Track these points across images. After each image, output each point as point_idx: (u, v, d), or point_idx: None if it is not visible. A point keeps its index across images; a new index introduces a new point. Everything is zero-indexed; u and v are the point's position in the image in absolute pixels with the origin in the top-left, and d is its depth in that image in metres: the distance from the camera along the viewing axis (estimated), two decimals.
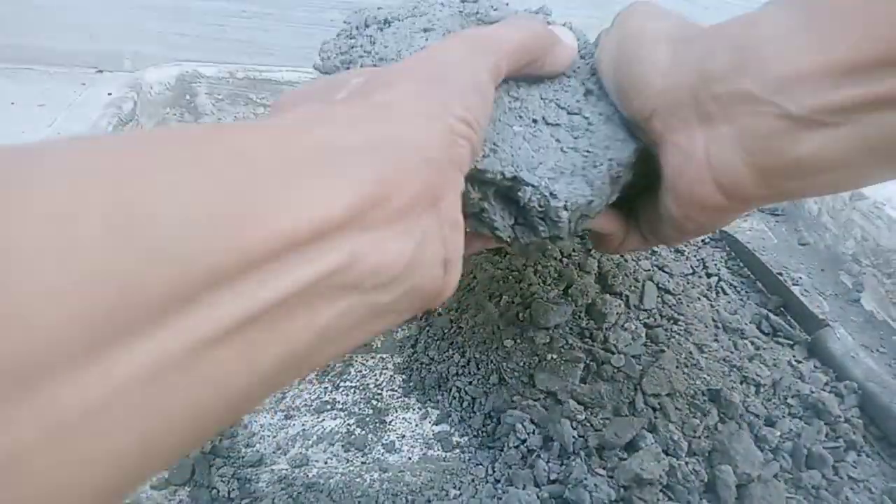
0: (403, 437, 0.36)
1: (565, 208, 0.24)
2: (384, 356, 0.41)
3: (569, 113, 0.27)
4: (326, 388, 0.38)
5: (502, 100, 0.27)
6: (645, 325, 0.41)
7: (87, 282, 0.10)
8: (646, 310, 0.42)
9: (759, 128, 0.20)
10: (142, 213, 0.11)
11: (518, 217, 0.26)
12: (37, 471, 0.10)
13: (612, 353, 0.38)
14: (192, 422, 0.13)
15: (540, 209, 0.25)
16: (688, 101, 0.22)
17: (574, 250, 0.44)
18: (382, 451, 0.35)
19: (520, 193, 0.25)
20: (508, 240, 0.26)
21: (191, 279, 0.12)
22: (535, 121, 0.27)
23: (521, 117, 0.26)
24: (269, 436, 0.35)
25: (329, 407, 0.37)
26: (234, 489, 0.32)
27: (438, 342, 0.40)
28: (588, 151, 0.26)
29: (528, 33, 0.24)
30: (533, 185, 0.24)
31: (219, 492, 0.32)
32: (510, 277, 0.42)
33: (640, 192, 0.29)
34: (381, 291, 0.16)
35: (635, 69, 0.24)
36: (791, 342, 0.43)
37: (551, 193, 0.24)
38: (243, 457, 0.34)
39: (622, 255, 0.45)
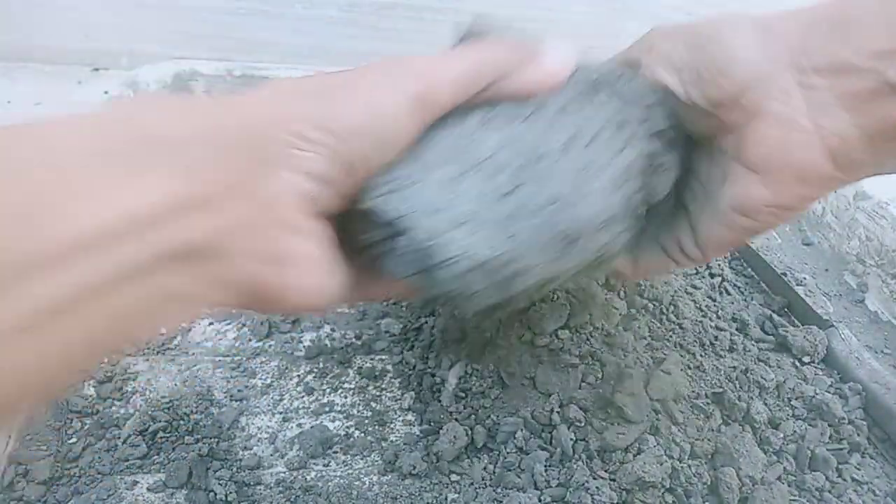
0: (402, 439, 0.35)
1: (448, 262, 0.21)
2: (383, 357, 0.40)
3: (525, 154, 0.23)
4: (325, 389, 0.38)
5: (442, 136, 0.23)
6: (648, 326, 0.41)
7: None
8: (649, 312, 0.42)
9: (865, 94, 0.22)
10: None
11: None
12: None
13: (615, 356, 0.38)
14: (19, 388, 0.14)
15: (415, 260, 0.22)
16: (788, 73, 0.23)
17: None
18: (381, 453, 0.34)
19: (400, 239, 0.22)
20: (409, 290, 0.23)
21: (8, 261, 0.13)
22: (477, 162, 0.23)
23: (459, 157, 0.23)
24: (266, 438, 0.35)
25: (328, 409, 0.37)
26: (231, 492, 0.31)
27: (438, 344, 0.39)
28: (528, 201, 0.22)
29: (477, 58, 0.23)
30: (411, 231, 0.21)
31: (216, 495, 0.31)
32: None
33: (659, 212, 0.27)
34: (184, 276, 0.17)
35: (721, 50, 0.24)
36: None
37: (437, 244, 0.21)
38: (241, 460, 0.33)
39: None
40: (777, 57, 0.23)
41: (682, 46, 0.25)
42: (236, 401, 0.37)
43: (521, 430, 0.35)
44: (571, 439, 0.34)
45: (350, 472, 0.33)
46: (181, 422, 0.35)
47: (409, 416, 0.37)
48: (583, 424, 0.35)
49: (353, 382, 0.39)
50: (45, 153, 0.15)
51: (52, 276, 0.14)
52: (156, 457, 0.33)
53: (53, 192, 0.14)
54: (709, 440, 0.34)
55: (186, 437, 0.34)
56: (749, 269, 0.51)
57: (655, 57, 0.26)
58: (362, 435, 0.35)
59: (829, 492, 0.34)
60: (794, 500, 0.33)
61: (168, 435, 0.34)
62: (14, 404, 0.15)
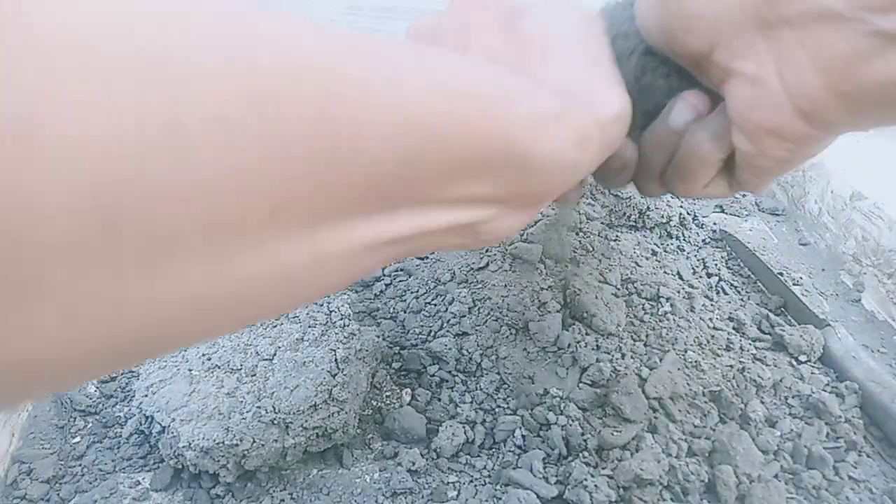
0: (403, 437, 0.36)
1: (189, 447, 0.30)
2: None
3: (257, 358, 0.33)
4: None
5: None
6: (646, 326, 0.41)
7: (283, 165, 0.12)
8: (647, 311, 0.42)
9: (842, 48, 0.19)
10: (349, 116, 0.13)
11: None
12: (292, 288, 0.14)
13: (613, 355, 0.38)
14: (344, 284, 0.16)
15: (170, 448, 0.31)
16: (753, 26, 0.21)
17: (575, 249, 0.44)
18: (382, 450, 0.35)
19: (155, 433, 0.32)
20: None
21: (393, 197, 0.15)
22: (229, 366, 0.33)
23: (213, 367, 0.33)
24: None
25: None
26: (234, 489, 0.32)
27: (438, 344, 0.40)
28: (246, 398, 0.31)
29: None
30: (161, 426, 0.31)
31: (218, 494, 0.32)
32: (514, 284, 0.42)
33: None
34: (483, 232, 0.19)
35: (687, 5, 0.22)
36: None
37: (177, 434, 0.30)
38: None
39: (631, 257, 0.45)
40: (745, 6, 0.21)
41: (652, 7, 0.24)
42: None
43: (520, 428, 0.35)
44: (570, 438, 0.34)
45: (352, 468, 0.34)
46: None
47: (409, 415, 0.37)
48: (581, 423, 0.35)
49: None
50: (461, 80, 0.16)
51: (416, 215, 0.16)
52: (158, 455, 0.33)
53: (468, 166, 0.16)
54: (706, 438, 0.35)
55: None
56: (746, 269, 0.51)
57: (640, 14, 0.25)
58: (362, 432, 0.36)
59: (826, 490, 0.34)
60: (791, 498, 0.33)
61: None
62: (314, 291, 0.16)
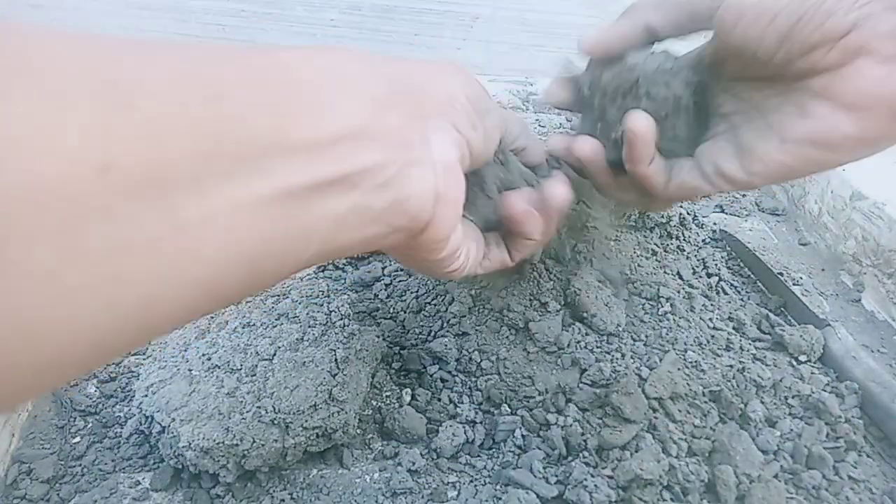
0: (403, 437, 0.36)
1: (189, 447, 0.30)
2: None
3: (257, 358, 0.33)
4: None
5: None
6: (647, 326, 0.41)
7: (197, 129, 0.15)
8: (647, 310, 0.42)
9: None
10: (219, 93, 0.16)
11: None
12: (163, 257, 0.14)
13: (613, 355, 0.38)
14: (248, 263, 0.17)
15: (170, 448, 0.31)
16: (891, 11, 0.23)
17: (576, 250, 0.44)
18: (382, 450, 0.35)
19: (155, 433, 0.32)
20: None
21: (260, 144, 0.16)
22: (229, 366, 0.33)
23: (213, 367, 0.33)
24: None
25: None
26: (234, 489, 0.32)
27: (438, 344, 0.40)
28: (246, 398, 0.31)
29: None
30: (161, 426, 0.31)
31: (218, 494, 0.32)
32: (514, 284, 0.42)
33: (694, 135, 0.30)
34: (377, 193, 0.20)
35: None
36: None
37: (177, 434, 0.30)
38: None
39: (630, 257, 0.45)
40: None
41: (766, 6, 0.26)
42: None
43: (520, 428, 0.35)
44: (570, 438, 0.34)
45: (352, 468, 0.34)
46: None
47: (409, 415, 0.37)
48: (581, 423, 0.35)
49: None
50: (282, 68, 0.19)
51: (288, 166, 0.17)
52: (158, 455, 0.33)
53: (299, 99, 0.18)
54: (706, 438, 0.35)
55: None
56: (746, 269, 0.51)
57: (734, 4, 0.27)
58: (362, 433, 0.36)
59: (826, 490, 0.34)
60: (791, 498, 0.33)
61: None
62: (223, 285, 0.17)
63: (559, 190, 0.30)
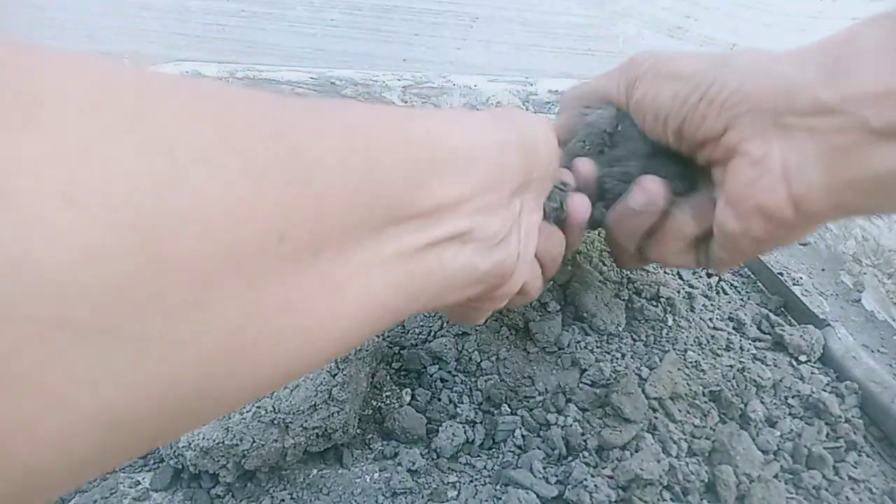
0: (403, 437, 0.36)
1: (189, 447, 0.30)
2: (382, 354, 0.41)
3: None
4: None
5: None
6: (646, 326, 0.41)
7: (355, 199, 0.16)
8: (647, 311, 0.42)
9: (840, 140, 0.21)
10: (375, 164, 0.17)
11: None
12: (314, 314, 0.16)
13: (613, 355, 0.38)
14: (372, 321, 0.18)
15: (170, 448, 0.31)
16: (768, 114, 0.23)
17: (576, 251, 0.44)
18: (382, 450, 0.35)
19: None
20: None
21: (401, 212, 0.18)
22: None
23: None
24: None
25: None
26: (234, 489, 0.32)
27: (438, 344, 0.40)
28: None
29: None
30: None
31: (218, 494, 0.31)
32: None
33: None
34: (483, 254, 0.22)
35: (716, 92, 0.24)
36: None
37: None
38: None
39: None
40: (768, 93, 0.23)
41: (664, 94, 0.27)
42: None
43: (520, 428, 0.35)
44: (570, 438, 0.34)
45: (352, 468, 0.34)
46: None
47: (410, 414, 0.37)
48: (581, 423, 0.35)
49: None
50: (430, 136, 0.20)
51: (410, 232, 0.19)
52: (158, 455, 0.33)
53: (442, 169, 0.20)
54: (706, 438, 0.35)
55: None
56: (746, 269, 0.51)
57: (640, 103, 0.28)
58: (363, 432, 0.36)
59: (826, 490, 0.34)
60: (791, 498, 0.33)
61: None
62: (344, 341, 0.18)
63: (579, 201, 0.30)
